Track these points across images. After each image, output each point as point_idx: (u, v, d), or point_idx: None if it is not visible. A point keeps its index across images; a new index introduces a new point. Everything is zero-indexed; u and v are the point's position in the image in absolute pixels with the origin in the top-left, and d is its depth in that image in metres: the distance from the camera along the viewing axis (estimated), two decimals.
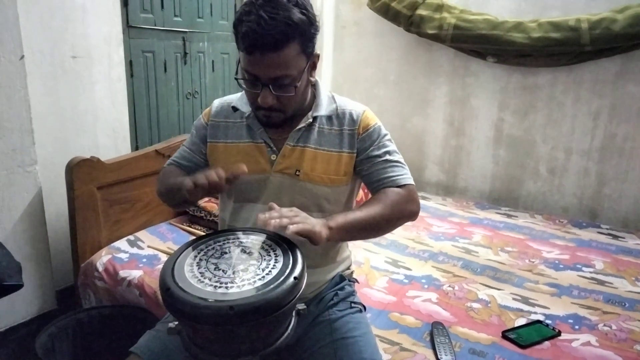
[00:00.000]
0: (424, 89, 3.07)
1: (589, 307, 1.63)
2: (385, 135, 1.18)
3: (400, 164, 1.16)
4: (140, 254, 1.82)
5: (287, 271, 0.84)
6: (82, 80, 1.93)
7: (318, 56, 1.09)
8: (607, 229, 2.40)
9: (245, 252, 0.91)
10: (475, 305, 1.60)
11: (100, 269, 1.73)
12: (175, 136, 2.27)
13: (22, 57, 1.56)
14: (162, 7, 2.31)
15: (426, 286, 1.72)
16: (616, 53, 2.43)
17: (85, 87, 1.95)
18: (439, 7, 2.71)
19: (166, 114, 2.46)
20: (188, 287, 0.80)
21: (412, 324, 1.47)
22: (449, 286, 1.72)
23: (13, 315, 1.72)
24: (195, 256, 0.90)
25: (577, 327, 1.51)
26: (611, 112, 2.55)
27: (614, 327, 1.50)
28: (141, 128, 2.35)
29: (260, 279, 0.82)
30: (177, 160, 1.24)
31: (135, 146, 2.30)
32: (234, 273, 0.84)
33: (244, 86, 1.07)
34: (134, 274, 1.68)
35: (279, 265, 0.86)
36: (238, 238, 0.96)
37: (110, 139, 2.10)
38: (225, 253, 0.90)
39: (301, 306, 0.90)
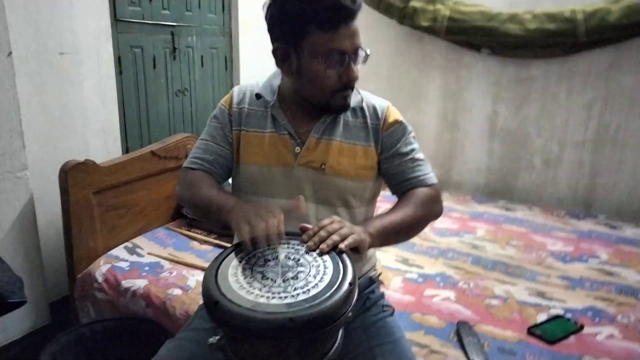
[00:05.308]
0: (416, 82, 3.04)
1: (604, 299, 1.62)
2: (411, 132, 1.16)
3: (425, 162, 1.15)
4: (141, 261, 1.71)
5: (340, 277, 0.78)
6: (70, 78, 1.81)
7: None
8: (604, 218, 2.42)
9: (289, 258, 0.84)
10: (494, 302, 1.58)
11: (100, 279, 1.62)
12: (169, 136, 2.17)
13: (10, 53, 1.43)
14: None
15: (442, 284, 1.69)
16: (609, 44, 2.45)
17: (73, 85, 1.83)
18: None
19: (156, 112, 2.35)
20: (238, 299, 0.73)
21: (436, 325, 1.43)
22: (464, 283, 1.69)
23: (4, 333, 1.60)
24: (237, 265, 0.83)
25: (597, 319, 1.50)
26: (604, 103, 2.57)
27: (632, 318, 1.50)
28: (131, 128, 2.23)
29: (314, 287, 0.76)
30: (199, 157, 1.12)
31: (126, 147, 2.19)
32: (284, 282, 0.77)
33: (325, 69, 1.00)
34: (138, 283, 1.58)
35: (330, 271, 0.80)
36: (278, 244, 0.89)
37: (100, 140, 1.98)
38: (269, 260, 0.84)
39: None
